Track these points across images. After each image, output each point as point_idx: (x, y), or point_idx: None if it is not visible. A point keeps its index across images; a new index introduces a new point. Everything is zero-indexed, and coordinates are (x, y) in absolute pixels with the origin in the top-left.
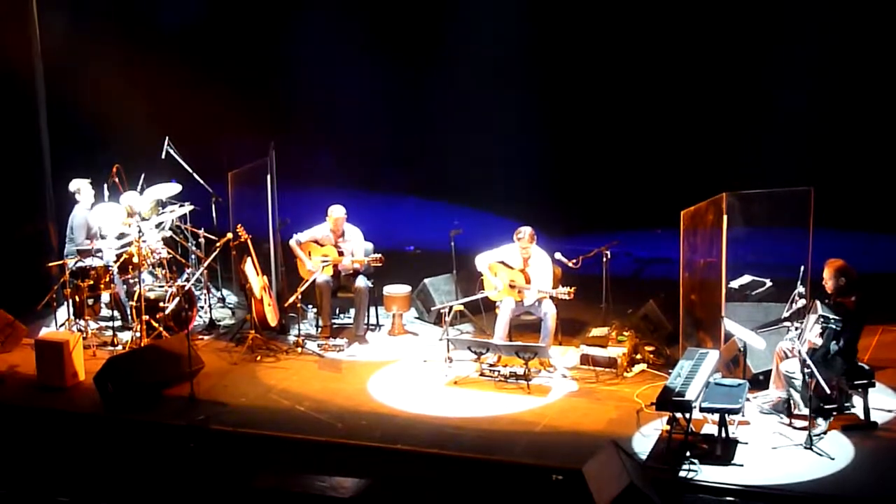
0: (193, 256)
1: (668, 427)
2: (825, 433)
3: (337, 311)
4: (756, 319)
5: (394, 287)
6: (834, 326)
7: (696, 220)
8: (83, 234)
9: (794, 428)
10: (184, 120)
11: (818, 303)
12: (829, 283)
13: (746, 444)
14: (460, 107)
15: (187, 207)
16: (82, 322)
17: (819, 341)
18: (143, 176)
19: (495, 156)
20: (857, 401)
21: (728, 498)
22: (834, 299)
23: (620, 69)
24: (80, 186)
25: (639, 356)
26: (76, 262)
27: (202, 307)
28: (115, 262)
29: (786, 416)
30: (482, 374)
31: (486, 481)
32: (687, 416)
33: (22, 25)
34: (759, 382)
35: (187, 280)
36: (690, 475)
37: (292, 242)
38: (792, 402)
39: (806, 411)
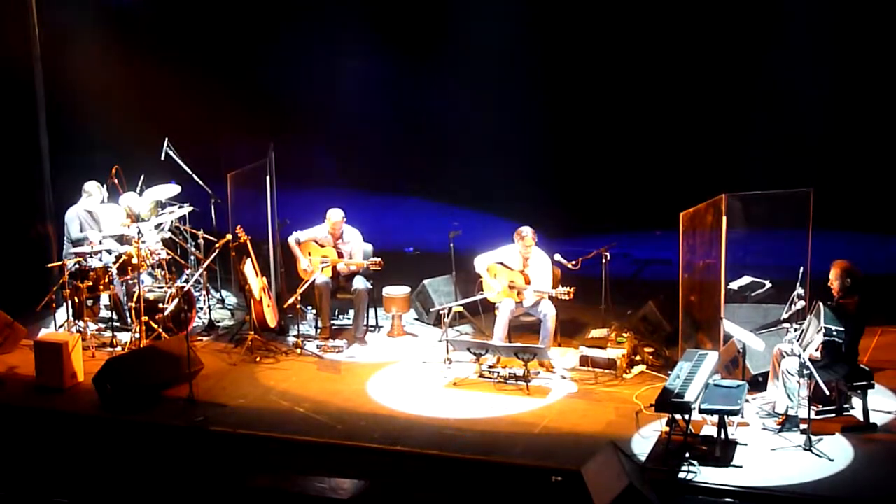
0: (193, 257)
1: (667, 428)
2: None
3: (336, 313)
4: (755, 321)
5: (393, 288)
6: (837, 339)
7: (695, 221)
8: (76, 228)
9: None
10: (183, 121)
11: (821, 305)
12: (835, 283)
13: (745, 445)
14: (460, 108)
15: (186, 208)
16: (81, 323)
17: (818, 355)
18: (142, 177)
19: (495, 157)
20: (856, 402)
21: (727, 499)
22: (837, 300)
23: (621, 70)
24: (93, 192)
25: (638, 357)
26: (76, 262)
27: (201, 308)
28: (115, 263)
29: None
30: (481, 376)
31: (485, 482)
32: (686, 417)
33: (22, 27)
34: (758, 384)
35: (186, 281)
36: (689, 477)
37: (291, 240)
38: (783, 400)
39: (790, 410)
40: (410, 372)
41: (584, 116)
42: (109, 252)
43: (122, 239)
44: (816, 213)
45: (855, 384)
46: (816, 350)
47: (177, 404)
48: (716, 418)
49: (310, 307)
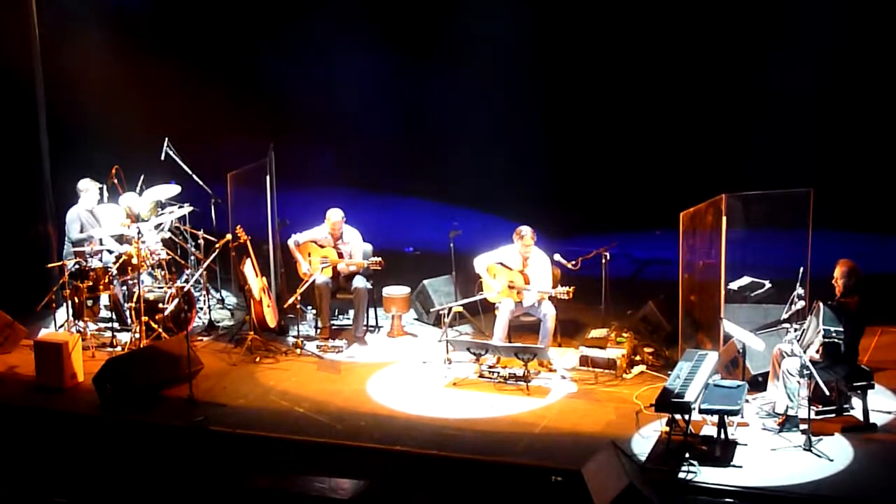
0: (192, 258)
1: (667, 428)
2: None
3: (336, 313)
4: (755, 321)
5: (393, 288)
6: (836, 340)
7: (695, 221)
8: (76, 229)
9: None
10: (183, 121)
11: (821, 305)
12: (839, 282)
13: (745, 445)
14: (460, 108)
15: (186, 208)
16: (81, 323)
17: (818, 357)
18: (142, 177)
19: (495, 157)
20: (856, 402)
21: (727, 499)
22: (839, 299)
23: (621, 70)
24: (88, 187)
25: (638, 357)
26: (76, 262)
27: (201, 308)
28: (115, 263)
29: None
30: (481, 376)
31: (485, 482)
32: (686, 417)
33: (22, 27)
34: (758, 384)
35: (186, 281)
36: (689, 476)
37: (290, 243)
38: (783, 400)
39: (790, 410)
40: (410, 372)
41: (584, 116)
42: (110, 252)
43: (122, 239)
44: (816, 213)
45: (855, 384)
46: (817, 352)
47: (177, 404)
48: (716, 418)
49: (310, 307)
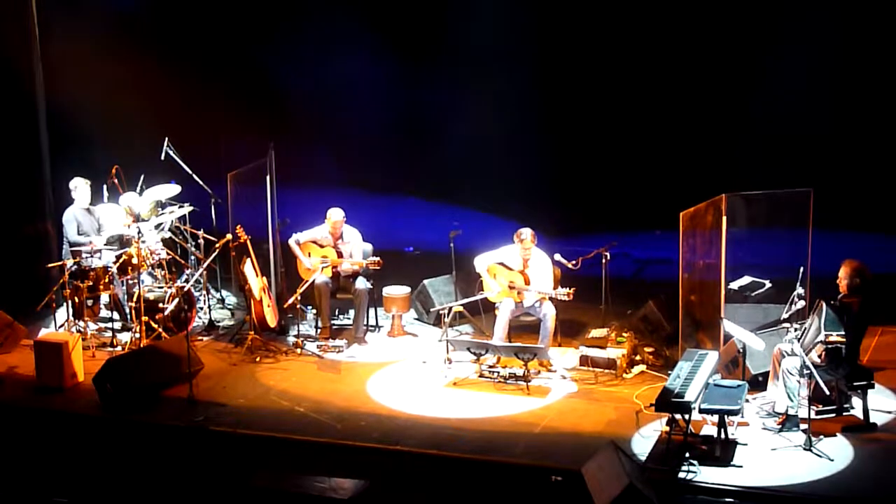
0: (193, 257)
1: (667, 428)
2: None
3: (336, 313)
4: (755, 321)
5: (393, 288)
6: (839, 344)
7: (695, 221)
8: (73, 229)
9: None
10: (183, 121)
11: (823, 304)
12: (843, 281)
13: (746, 445)
14: (460, 107)
15: (186, 208)
16: (81, 323)
17: (819, 360)
18: (142, 177)
19: (495, 157)
20: (856, 402)
21: (727, 499)
22: (841, 299)
23: (621, 70)
24: (78, 185)
25: (638, 357)
26: (74, 263)
27: (201, 308)
28: (115, 262)
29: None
30: (481, 376)
31: (485, 482)
32: (686, 417)
33: (22, 27)
34: (759, 383)
35: (186, 281)
36: (689, 476)
37: (291, 241)
38: (783, 400)
39: (790, 410)
40: (410, 372)
41: (584, 116)
42: (110, 249)
43: (122, 239)
44: (816, 213)
45: (855, 384)
46: (819, 356)
47: (177, 404)
48: (716, 418)
49: (310, 307)
